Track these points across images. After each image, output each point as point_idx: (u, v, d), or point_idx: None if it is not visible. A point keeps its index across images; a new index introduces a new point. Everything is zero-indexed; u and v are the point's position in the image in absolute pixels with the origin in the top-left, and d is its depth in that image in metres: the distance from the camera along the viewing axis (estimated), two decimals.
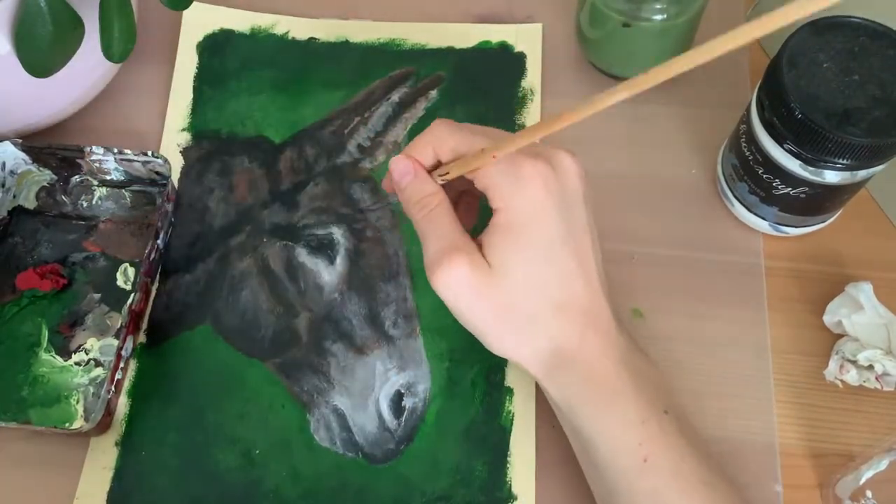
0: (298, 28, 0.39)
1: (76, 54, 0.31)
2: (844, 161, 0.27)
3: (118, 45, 0.32)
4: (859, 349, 0.30)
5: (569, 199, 0.26)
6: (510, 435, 0.30)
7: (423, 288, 0.33)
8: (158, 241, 0.33)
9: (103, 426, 0.30)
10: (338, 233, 0.34)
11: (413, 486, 0.29)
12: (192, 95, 0.37)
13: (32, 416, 0.31)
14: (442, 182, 0.26)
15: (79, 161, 0.34)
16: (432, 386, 0.31)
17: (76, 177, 0.35)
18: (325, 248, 0.33)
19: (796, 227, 0.33)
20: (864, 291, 0.30)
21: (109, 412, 0.30)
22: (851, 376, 0.30)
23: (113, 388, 0.30)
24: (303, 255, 0.33)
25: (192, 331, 0.32)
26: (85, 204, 0.35)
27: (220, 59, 0.38)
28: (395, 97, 0.37)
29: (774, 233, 0.33)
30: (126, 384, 0.32)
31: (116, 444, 0.30)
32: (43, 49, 0.30)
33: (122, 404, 0.31)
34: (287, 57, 0.38)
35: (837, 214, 0.33)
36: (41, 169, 0.35)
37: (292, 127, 0.36)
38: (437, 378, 0.31)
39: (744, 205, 0.33)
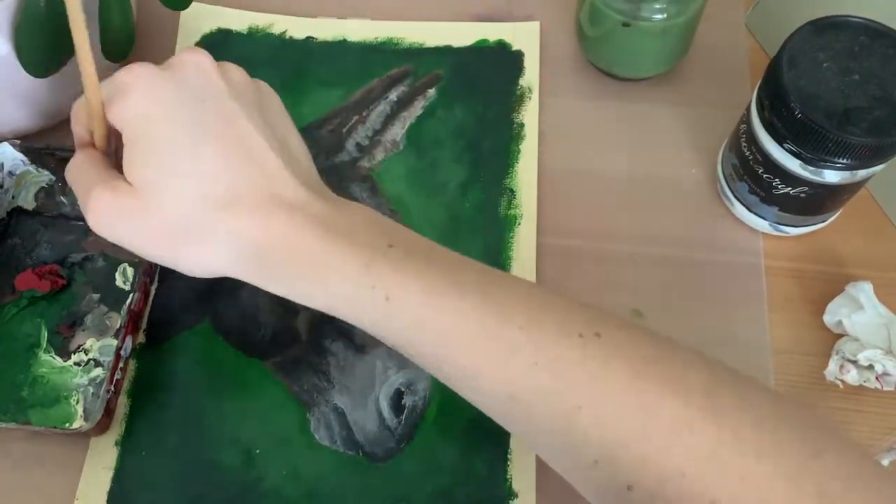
0: (296, 27, 0.39)
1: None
2: (844, 161, 0.28)
3: (118, 46, 0.32)
4: (859, 349, 0.30)
5: (193, 93, 0.24)
6: (510, 433, 0.30)
7: None
8: None
9: (103, 426, 0.30)
10: None
11: (414, 484, 0.30)
12: None
13: (32, 416, 0.31)
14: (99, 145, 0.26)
15: None
16: (432, 384, 0.31)
17: None
18: None
19: (796, 226, 0.33)
20: (864, 291, 0.30)
21: (109, 412, 0.31)
22: (852, 376, 0.30)
23: (112, 388, 0.30)
24: None
25: (192, 330, 0.32)
26: None
27: (219, 59, 0.38)
28: (394, 96, 0.37)
29: (774, 232, 0.33)
30: (126, 384, 0.32)
31: (116, 444, 0.31)
32: (43, 49, 0.30)
33: (122, 404, 0.31)
34: (285, 56, 0.38)
35: (837, 214, 0.33)
36: (40, 170, 0.35)
37: None
38: None
39: (744, 204, 0.33)
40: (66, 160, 0.33)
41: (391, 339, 0.24)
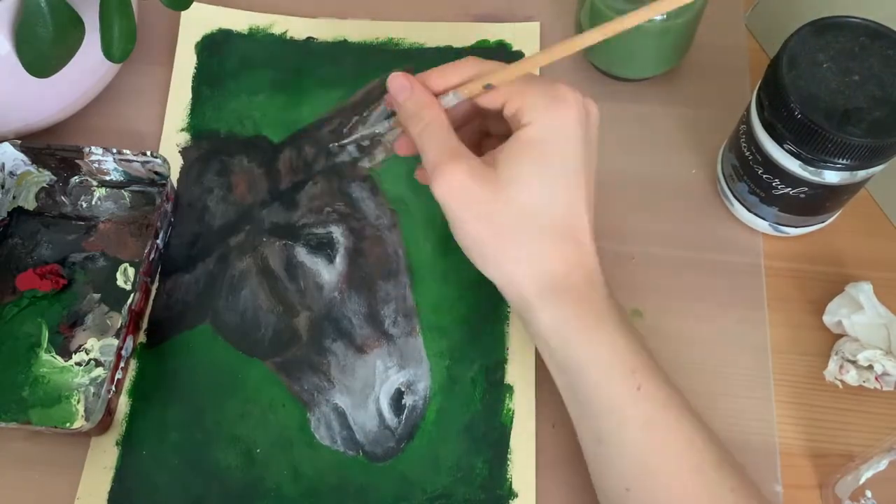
0: (296, 28, 0.39)
1: (76, 54, 0.31)
2: (844, 161, 0.28)
3: (118, 46, 0.32)
4: (859, 349, 0.30)
5: (590, 136, 0.27)
6: (510, 432, 0.30)
7: (422, 286, 0.33)
8: (158, 241, 0.33)
9: (104, 426, 0.30)
10: (337, 232, 0.34)
11: (414, 484, 0.30)
12: (190, 95, 0.37)
13: (33, 416, 0.31)
14: (448, 105, 0.27)
15: (78, 162, 0.34)
16: (432, 384, 0.31)
17: (75, 177, 0.35)
18: (324, 247, 0.34)
19: (796, 227, 0.33)
20: (863, 291, 0.30)
21: (110, 412, 0.31)
22: (851, 376, 0.30)
23: (113, 388, 0.30)
24: (302, 254, 0.33)
25: (192, 330, 0.33)
26: (84, 204, 0.35)
27: (219, 59, 0.38)
28: None
29: (774, 233, 0.33)
30: (126, 384, 0.32)
31: (117, 444, 0.31)
32: (43, 49, 0.30)
33: (123, 404, 0.31)
34: (285, 57, 0.38)
35: (837, 214, 0.33)
36: (40, 170, 0.35)
37: (291, 126, 0.37)
38: (437, 376, 0.31)
39: (744, 205, 0.33)
40: (66, 160, 0.34)
41: (611, 415, 0.26)
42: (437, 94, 0.27)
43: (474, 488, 0.29)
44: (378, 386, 0.31)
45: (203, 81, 0.38)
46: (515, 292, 0.26)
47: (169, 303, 0.33)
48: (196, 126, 0.37)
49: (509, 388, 0.31)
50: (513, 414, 0.31)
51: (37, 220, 0.35)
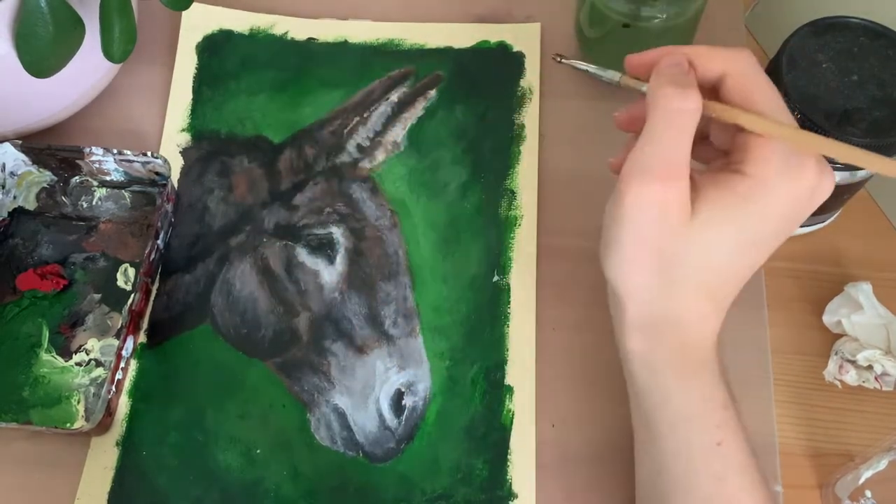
0: (297, 28, 0.39)
1: (76, 55, 0.31)
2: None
3: (118, 46, 0.32)
4: (859, 349, 0.30)
5: (805, 215, 0.24)
6: (510, 433, 0.30)
7: (422, 287, 0.33)
8: (158, 242, 0.33)
9: (104, 426, 0.30)
10: (337, 232, 0.34)
11: (414, 485, 0.30)
12: (191, 96, 0.37)
13: (33, 416, 0.31)
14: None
15: (79, 162, 0.34)
16: (432, 385, 0.31)
17: (76, 178, 0.35)
18: (324, 248, 0.33)
19: None
20: (863, 291, 0.30)
21: (110, 412, 0.31)
22: (851, 376, 0.30)
23: (113, 388, 0.30)
24: (303, 254, 0.33)
25: (193, 331, 0.32)
26: (85, 205, 0.35)
27: (220, 60, 0.38)
28: (394, 97, 0.37)
29: None
30: (126, 384, 0.32)
31: (117, 444, 0.31)
32: (43, 49, 0.30)
33: (123, 404, 0.31)
34: (286, 57, 0.38)
35: (837, 214, 0.33)
36: (41, 170, 0.35)
37: (291, 127, 0.36)
38: (437, 377, 0.31)
39: None
40: (67, 160, 0.34)
41: (682, 461, 0.25)
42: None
43: (474, 489, 0.29)
44: (378, 387, 0.31)
45: (204, 82, 0.38)
46: (622, 303, 0.25)
47: (169, 303, 0.33)
48: (197, 126, 0.37)
49: (509, 389, 0.31)
50: (513, 415, 0.31)
51: (37, 221, 0.35)
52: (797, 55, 0.28)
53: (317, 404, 0.31)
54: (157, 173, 0.34)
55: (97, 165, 0.34)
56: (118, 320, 0.33)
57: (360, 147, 0.36)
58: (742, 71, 0.23)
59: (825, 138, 0.23)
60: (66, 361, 0.32)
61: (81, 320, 0.33)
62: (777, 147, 0.23)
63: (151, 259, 0.33)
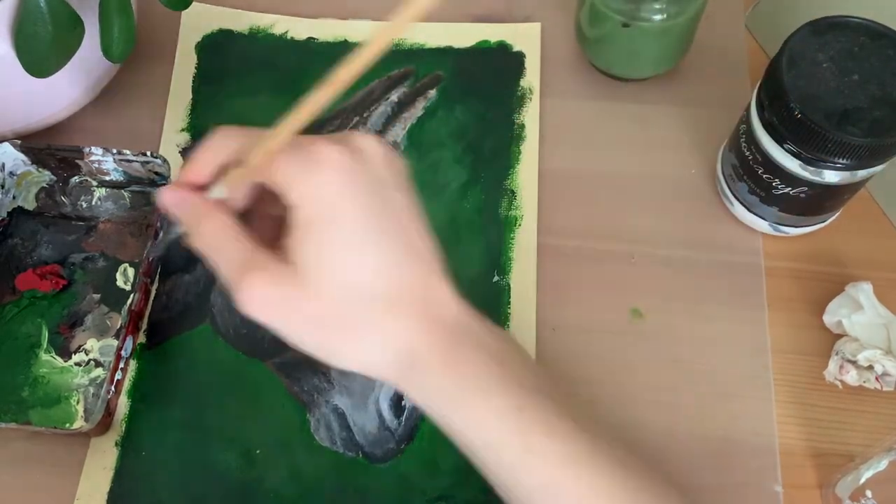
0: (297, 28, 0.39)
1: (76, 54, 0.31)
2: (844, 161, 0.27)
3: (118, 46, 0.32)
4: (859, 349, 0.30)
5: (377, 183, 0.22)
6: None
7: None
8: (158, 242, 0.33)
9: (103, 426, 0.30)
10: None
11: (414, 486, 0.30)
12: (191, 96, 0.37)
13: (33, 416, 0.31)
14: (224, 195, 0.23)
15: (78, 162, 0.34)
16: None
17: (75, 178, 0.35)
18: None
19: (796, 226, 0.33)
20: (863, 291, 0.30)
21: (109, 412, 0.30)
22: (851, 377, 0.30)
23: (113, 389, 0.30)
24: None
25: (192, 331, 0.32)
26: (84, 205, 0.35)
27: (220, 60, 0.38)
28: (394, 97, 0.37)
29: (774, 233, 0.33)
30: (126, 384, 0.32)
31: (116, 445, 0.31)
32: (43, 49, 0.30)
33: (122, 404, 0.31)
34: (286, 57, 0.38)
35: (837, 214, 0.33)
36: (40, 170, 0.35)
37: None
38: None
39: (744, 205, 0.33)
40: (66, 160, 0.33)
41: (510, 484, 0.23)
42: (202, 187, 0.23)
43: (475, 490, 0.29)
44: (378, 387, 0.31)
45: (204, 81, 0.38)
46: (380, 377, 0.23)
47: (169, 303, 0.33)
48: (196, 126, 0.37)
49: None
50: None
51: (37, 221, 0.35)
52: (797, 55, 0.28)
53: (316, 405, 0.31)
54: (156, 173, 0.34)
55: (96, 165, 0.34)
56: (117, 320, 0.33)
57: None
58: (219, 144, 0.23)
59: (292, 120, 0.21)
60: (65, 361, 0.32)
61: (81, 320, 0.33)
62: (282, 163, 0.22)
63: (151, 259, 0.32)
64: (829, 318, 0.31)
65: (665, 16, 0.33)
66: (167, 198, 0.23)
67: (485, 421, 0.23)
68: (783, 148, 0.29)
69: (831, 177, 0.28)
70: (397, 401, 0.31)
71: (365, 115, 0.37)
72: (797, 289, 0.33)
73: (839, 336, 0.31)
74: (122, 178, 0.35)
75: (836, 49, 0.28)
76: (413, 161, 0.36)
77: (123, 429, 0.31)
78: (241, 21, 0.39)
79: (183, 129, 0.37)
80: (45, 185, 0.35)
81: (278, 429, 0.31)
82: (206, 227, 0.23)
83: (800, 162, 0.29)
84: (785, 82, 0.27)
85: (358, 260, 0.22)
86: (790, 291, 0.33)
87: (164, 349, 0.32)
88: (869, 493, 0.27)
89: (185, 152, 0.36)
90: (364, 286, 0.22)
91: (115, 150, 0.33)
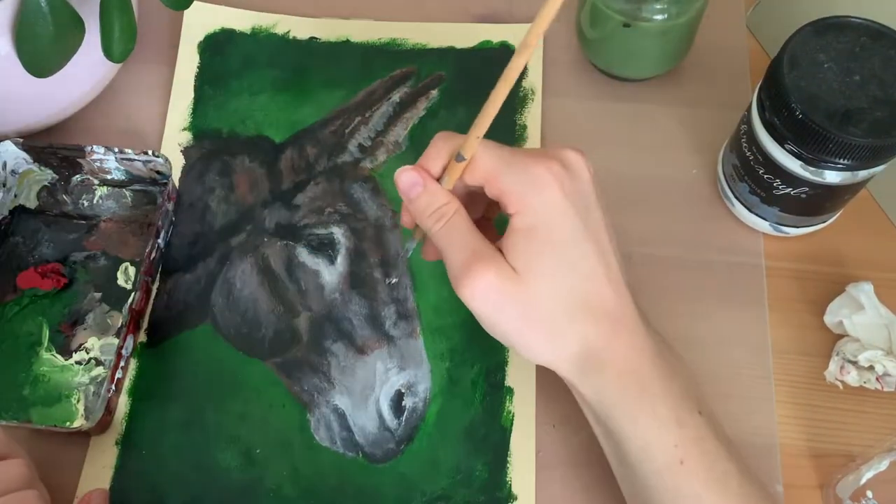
0: (299, 28, 0.39)
1: (77, 54, 0.31)
2: (845, 161, 0.28)
3: (118, 45, 0.32)
4: (860, 350, 0.30)
5: (584, 199, 0.26)
6: (510, 435, 0.30)
7: (423, 288, 0.33)
8: (159, 241, 0.33)
9: (103, 425, 0.30)
10: (338, 232, 0.34)
11: (413, 486, 0.30)
12: (192, 95, 0.38)
13: (33, 415, 0.31)
14: (449, 187, 0.26)
15: (80, 161, 0.34)
16: (433, 386, 0.31)
17: (77, 176, 0.35)
18: (325, 248, 0.34)
19: (797, 227, 0.33)
20: (864, 292, 0.30)
21: (110, 411, 0.31)
22: (852, 377, 0.30)
23: (113, 387, 0.30)
24: (303, 254, 0.34)
25: (193, 330, 0.33)
26: (86, 203, 0.35)
27: (222, 59, 0.38)
28: (396, 97, 0.37)
29: (775, 233, 0.33)
30: (126, 383, 0.32)
31: (116, 444, 0.31)
32: (43, 49, 0.30)
33: (123, 403, 0.31)
34: (288, 56, 0.38)
35: (838, 214, 0.33)
36: (42, 168, 0.35)
37: (293, 126, 0.37)
38: (437, 378, 0.31)
39: (744, 205, 0.33)
40: (68, 159, 0.34)
41: (655, 483, 0.25)
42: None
43: (474, 491, 0.29)
44: (378, 387, 0.31)
45: (205, 81, 0.38)
46: (560, 373, 0.26)
47: (170, 302, 0.33)
48: (198, 125, 0.37)
49: (510, 391, 0.31)
50: (513, 416, 0.31)
51: (38, 219, 0.35)
52: (798, 55, 0.28)
53: (317, 404, 0.31)
54: (158, 172, 0.34)
55: (98, 164, 0.34)
56: (118, 319, 0.33)
57: (361, 147, 0.36)
58: (441, 145, 0.26)
59: (484, 116, 0.24)
60: (66, 360, 0.32)
61: (82, 319, 0.33)
62: (504, 177, 0.25)
63: (152, 258, 0.33)
64: (829, 319, 0.31)
65: (666, 16, 0.33)
66: (407, 176, 0.26)
67: (647, 427, 0.25)
68: (784, 148, 0.29)
69: (832, 177, 0.29)
70: (397, 401, 0.31)
71: (367, 114, 0.37)
72: (798, 289, 0.33)
73: (840, 336, 0.31)
74: (123, 177, 0.35)
75: (837, 49, 0.28)
76: (414, 161, 0.36)
77: (124, 428, 0.31)
78: (243, 20, 0.39)
79: (185, 129, 0.37)
80: (46, 183, 0.35)
81: (278, 428, 0.31)
82: (446, 210, 0.26)
83: (801, 162, 0.29)
84: (786, 83, 0.27)
85: (568, 270, 0.25)
86: (791, 292, 0.33)
87: (164, 348, 0.32)
88: (870, 494, 0.27)
89: (187, 151, 0.36)
90: (570, 293, 0.25)
91: (116, 149, 0.34)
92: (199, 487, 0.30)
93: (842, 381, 0.30)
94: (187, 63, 0.38)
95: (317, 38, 0.39)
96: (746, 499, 0.25)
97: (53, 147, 0.34)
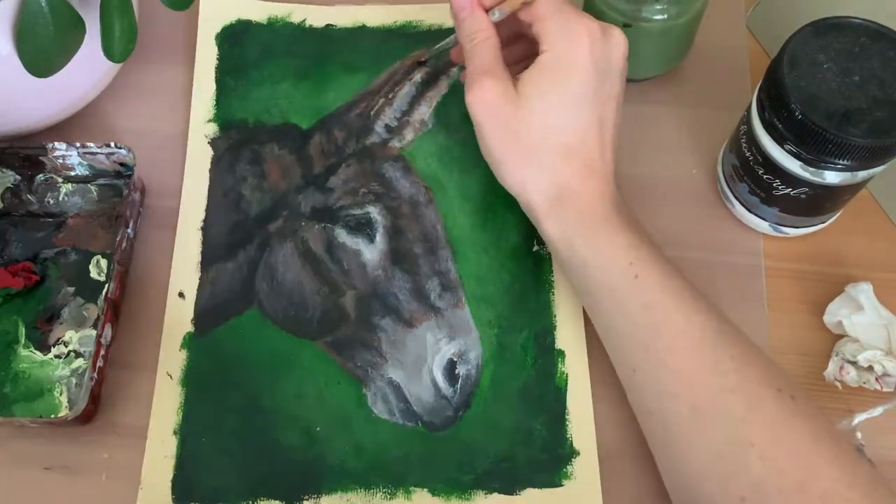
0: (315, 16, 0.46)
1: (77, 54, 0.32)
2: (845, 162, 0.29)
3: (119, 45, 0.34)
4: (859, 350, 0.32)
5: (608, 66, 0.31)
6: (566, 394, 0.36)
7: (464, 259, 0.39)
8: (129, 231, 0.35)
9: (88, 415, 0.32)
10: (374, 211, 0.38)
11: (475, 450, 0.35)
12: (214, 87, 0.44)
13: (17, 411, 0.35)
14: (498, 18, 0.32)
15: (42, 159, 0.39)
16: (483, 352, 0.37)
17: (41, 175, 0.39)
18: (363, 228, 0.38)
19: (797, 227, 0.34)
20: (864, 292, 0.32)
21: (94, 400, 0.32)
22: (851, 377, 0.32)
23: (95, 376, 0.32)
24: (342, 235, 0.39)
25: (241, 316, 0.38)
26: (52, 201, 0.38)
27: (240, 50, 0.45)
28: (418, 77, 0.43)
29: (775, 233, 0.35)
30: (178, 374, 0.36)
31: (175, 433, 0.35)
32: (44, 49, 0.33)
33: (177, 394, 0.36)
34: (305, 44, 0.45)
35: (838, 215, 0.35)
36: (4, 170, 0.38)
37: (318, 112, 0.43)
38: (487, 345, 0.37)
39: (744, 205, 0.34)
40: (30, 158, 0.35)
41: (614, 302, 0.29)
42: (486, 10, 0.33)
43: (536, 450, 0.35)
44: (430, 358, 0.36)
45: (226, 72, 0.44)
46: (526, 200, 0.32)
47: (214, 291, 0.39)
48: (223, 116, 0.43)
49: (561, 353, 0.37)
50: (567, 377, 0.36)
51: (4, 221, 0.40)
52: (798, 55, 0.30)
53: (371, 379, 0.37)
54: (121, 164, 0.37)
55: (61, 161, 0.37)
56: (94, 311, 0.35)
57: (388, 127, 0.39)
58: None
59: None
60: (44, 355, 0.35)
61: (57, 314, 0.36)
62: (549, 21, 0.31)
63: (123, 247, 0.36)
64: (829, 319, 0.33)
65: (666, 16, 0.35)
66: (460, 1, 0.32)
67: (604, 251, 0.30)
68: (784, 148, 0.30)
69: (832, 177, 0.30)
70: (451, 369, 0.36)
71: (390, 95, 0.39)
72: (797, 289, 0.35)
73: (839, 336, 0.33)
74: (87, 173, 0.39)
75: (836, 50, 0.30)
76: (442, 138, 0.37)
77: (180, 417, 0.36)
78: (258, 11, 0.46)
79: (210, 120, 0.43)
80: (10, 185, 0.37)
81: (336, 405, 0.36)
82: (480, 34, 0.31)
83: (800, 162, 0.30)
84: (786, 83, 0.29)
85: (565, 112, 0.31)
86: (790, 292, 0.35)
87: (213, 336, 0.38)
88: (859, 435, 0.29)
89: (215, 142, 0.42)
90: (559, 131, 0.31)
91: (78, 144, 0.38)
92: (265, 468, 0.34)
93: (841, 382, 0.32)
94: (207, 55, 0.45)
95: (333, 25, 0.45)
96: (708, 312, 0.28)
97: (14, 147, 0.38)
